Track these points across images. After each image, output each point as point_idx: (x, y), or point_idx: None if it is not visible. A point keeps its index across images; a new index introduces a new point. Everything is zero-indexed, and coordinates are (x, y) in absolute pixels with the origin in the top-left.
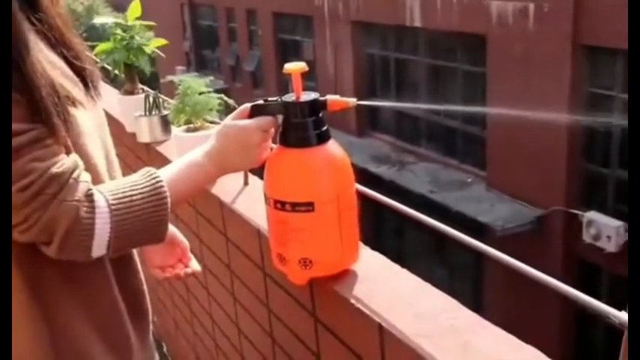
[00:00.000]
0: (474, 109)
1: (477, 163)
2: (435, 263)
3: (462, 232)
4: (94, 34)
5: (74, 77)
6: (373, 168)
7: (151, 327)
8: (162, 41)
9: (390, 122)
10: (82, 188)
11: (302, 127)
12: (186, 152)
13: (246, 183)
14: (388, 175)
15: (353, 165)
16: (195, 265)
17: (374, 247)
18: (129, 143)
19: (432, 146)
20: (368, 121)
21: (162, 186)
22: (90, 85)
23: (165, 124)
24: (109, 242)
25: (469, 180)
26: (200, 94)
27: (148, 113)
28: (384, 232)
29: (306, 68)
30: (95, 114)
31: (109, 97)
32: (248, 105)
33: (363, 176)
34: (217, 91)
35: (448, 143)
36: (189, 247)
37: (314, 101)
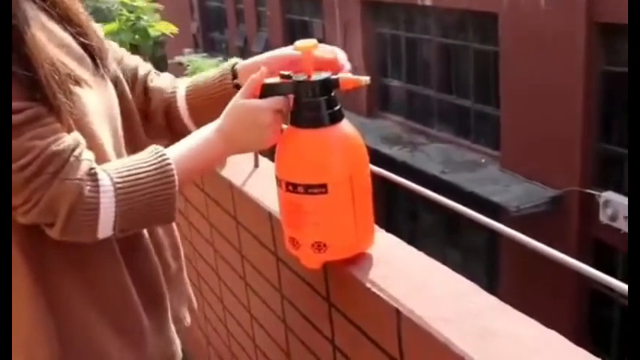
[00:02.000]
0: None
1: (490, 143)
2: (449, 245)
3: (474, 210)
4: (100, 16)
5: (82, 55)
6: (385, 149)
7: (169, 312)
8: (170, 26)
9: (401, 102)
10: (84, 167)
11: (314, 107)
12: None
13: (256, 165)
14: (400, 156)
15: (365, 146)
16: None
17: (387, 230)
18: None
19: (444, 126)
20: (378, 102)
21: (169, 164)
22: (98, 62)
23: None
24: (115, 222)
25: (482, 160)
26: None
27: None
28: (397, 214)
29: (318, 45)
30: (104, 93)
31: None
32: (256, 77)
33: (375, 158)
34: None
35: (461, 123)
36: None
37: (326, 80)
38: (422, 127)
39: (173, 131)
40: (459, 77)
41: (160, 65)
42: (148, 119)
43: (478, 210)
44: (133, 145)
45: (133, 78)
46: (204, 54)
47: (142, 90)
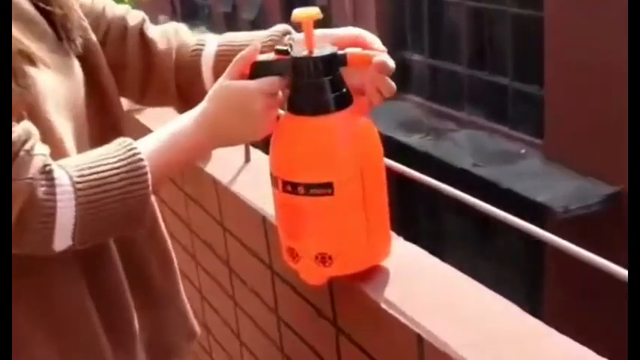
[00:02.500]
0: None
1: (532, 130)
2: (481, 255)
3: (514, 214)
4: None
5: (44, 29)
6: (402, 137)
7: (137, 340)
8: None
9: (423, 80)
10: (36, 163)
11: (316, 89)
12: (172, 120)
13: (247, 159)
14: (422, 145)
15: (378, 133)
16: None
17: (405, 238)
18: None
19: (475, 109)
20: (395, 80)
21: (140, 159)
22: (62, 34)
23: None
24: (74, 230)
25: (522, 151)
26: None
27: None
28: (418, 218)
29: (320, 15)
30: (67, 74)
31: None
32: (245, 53)
33: (390, 147)
34: None
35: (496, 105)
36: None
37: (331, 56)
38: (448, 109)
39: (186, 97)
40: (494, 49)
41: None
42: (149, 80)
43: (518, 211)
44: (106, 138)
45: (121, 31)
46: (183, 23)
47: (138, 43)
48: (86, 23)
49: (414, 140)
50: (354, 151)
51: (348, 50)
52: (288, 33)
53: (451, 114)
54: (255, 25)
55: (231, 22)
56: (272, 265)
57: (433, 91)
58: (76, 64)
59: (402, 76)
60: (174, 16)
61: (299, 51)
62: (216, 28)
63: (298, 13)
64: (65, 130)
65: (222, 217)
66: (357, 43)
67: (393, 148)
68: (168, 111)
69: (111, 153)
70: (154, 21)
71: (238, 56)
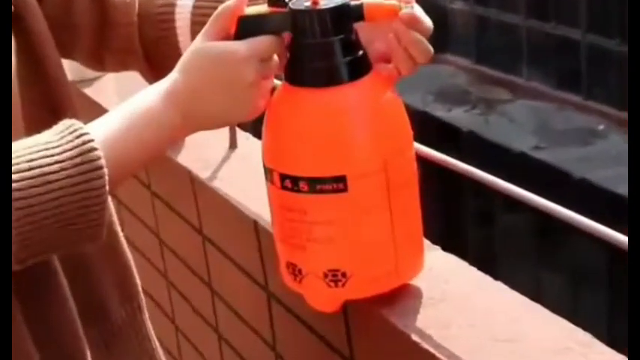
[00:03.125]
0: None
1: (612, 99)
2: (546, 267)
3: (590, 211)
4: None
5: None
6: (441, 111)
7: None
8: None
9: (467, 36)
10: None
11: (323, 53)
12: (133, 95)
13: (233, 145)
14: (467, 121)
15: (408, 107)
16: None
17: (446, 245)
18: None
19: (537, 73)
20: (431, 37)
21: (92, 149)
22: None
23: None
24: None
25: (601, 127)
26: None
27: None
28: (462, 218)
29: None
30: None
31: None
32: (230, 4)
33: (425, 125)
34: None
35: (565, 67)
36: None
37: (342, 7)
38: (502, 74)
39: (156, 60)
40: None
41: None
42: (104, 40)
43: (595, 207)
44: (46, 122)
45: None
46: None
47: None
48: None
49: (457, 115)
50: (374, 135)
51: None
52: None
53: (505, 80)
54: None
55: None
56: (267, 285)
57: (481, 49)
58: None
59: (440, 30)
60: None
61: (301, 1)
62: None
63: None
64: None
65: (202, 222)
66: None
67: (429, 126)
68: (128, 81)
69: (53, 141)
70: None
71: (220, 8)
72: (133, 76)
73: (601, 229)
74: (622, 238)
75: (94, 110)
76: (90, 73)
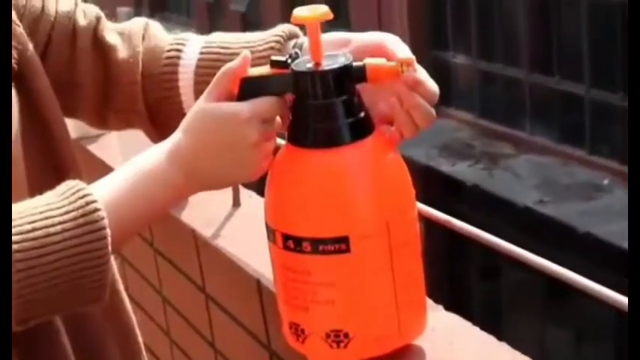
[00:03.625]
0: None
1: (616, 154)
2: (553, 323)
3: (594, 266)
4: None
5: None
6: (445, 165)
7: None
8: None
9: (471, 90)
10: None
11: (325, 114)
12: (136, 154)
13: (236, 203)
14: (471, 176)
15: (412, 161)
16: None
17: (449, 303)
18: None
19: (541, 128)
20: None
21: (95, 210)
22: None
23: None
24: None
25: (605, 181)
26: None
27: None
28: (467, 272)
29: (330, 15)
30: None
31: None
32: (233, 66)
33: (429, 179)
34: None
35: (569, 122)
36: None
37: (344, 69)
38: (506, 128)
39: (159, 120)
40: (565, 48)
41: None
42: (108, 99)
43: (600, 262)
44: (48, 183)
45: (68, 36)
46: (152, 17)
47: (91, 51)
48: (21, 29)
49: (461, 169)
50: (376, 196)
51: (368, 61)
52: (295, 37)
53: (509, 134)
54: (247, 19)
55: (215, 16)
56: (270, 344)
57: (484, 104)
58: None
59: (444, 84)
60: (138, 8)
61: (303, 63)
62: (195, 24)
63: (300, 12)
64: None
65: (205, 280)
66: (379, 51)
67: (434, 181)
68: (131, 138)
69: (56, 202)
70: (113, 15)
71: (223, 70)
72: (137, 134)
73: (601, 290)
74: (622, 299)
75: (98, 167)
76: (93, 129)
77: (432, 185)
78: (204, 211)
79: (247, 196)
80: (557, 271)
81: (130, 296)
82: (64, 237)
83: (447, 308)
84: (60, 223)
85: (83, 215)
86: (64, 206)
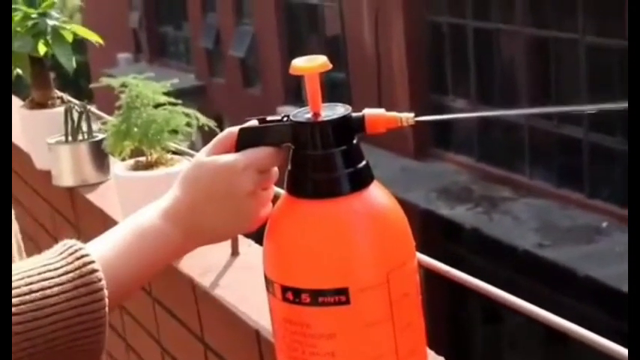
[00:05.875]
0: None
1: (615, 197)
2: None
3: (595, 309)
4: None
5: None
6: (444, 209)
7: None
8: (92, 35)
9: (470, 135)
10: None
11: (325, 164)
12: (134, 203)
13: (235, 252)
14: (471, 220)
15: (411, 205)
16: None
17: (452, 346)
18: (40, 188)
19: (540, 171)
20: (433, 135)
21: (93, 270)
22: None
23: (100, 156)
24: None
25: (604, 224)
26: (157, 106)
27: (70, 138)
28: (466, 324)
29: (328, 65)
30: None
31: None
32: (235, 129)
33: (429, 223)
34: (187, 91)
35: (568, 165)
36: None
37: (343, 120)
38: (505, 172)
39: None
40: (563, 91)
41: (79, 86)
42: None
43: (600, 305)
44: None
45: None
46: (150, 67)
47: None
48: None
49: (460, 213)
50: (376, 247)
51: (367, 111)
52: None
53: (508, 178)
54: (247, 64)
55: (214, 62)
56: None
57: (483, 148)
58: None
59: (442, 130)
60: (138, 54)
61: (301, 113)
62: (195, 70)
63: (299, 63)
64: None
65: (203, 330)
66: None
67: (433, 224)
68: (129, 189)
69: (53, 263)
70: (112, 63)
71: (219, 137)
72: (134, 183)
73: (600, 341)
74: (622, 351)
75: (96, 215)
76: (92, 178)
77: (431, 229)
78: (203, 260)
79: (246, 244)
80: (557, 322)
81: (128, 345)
82: (61, 299)
83: (448, 353)
84: (57, 285)
85: (80, 276)
86: (62, 267)
